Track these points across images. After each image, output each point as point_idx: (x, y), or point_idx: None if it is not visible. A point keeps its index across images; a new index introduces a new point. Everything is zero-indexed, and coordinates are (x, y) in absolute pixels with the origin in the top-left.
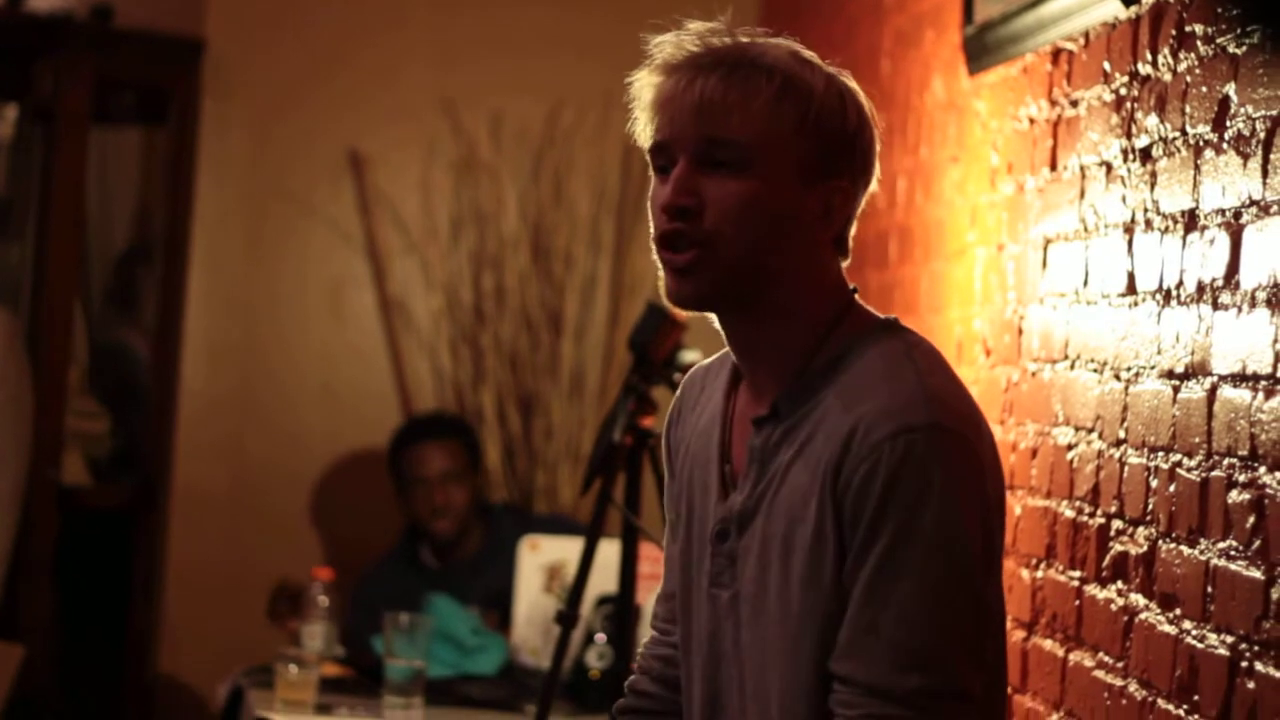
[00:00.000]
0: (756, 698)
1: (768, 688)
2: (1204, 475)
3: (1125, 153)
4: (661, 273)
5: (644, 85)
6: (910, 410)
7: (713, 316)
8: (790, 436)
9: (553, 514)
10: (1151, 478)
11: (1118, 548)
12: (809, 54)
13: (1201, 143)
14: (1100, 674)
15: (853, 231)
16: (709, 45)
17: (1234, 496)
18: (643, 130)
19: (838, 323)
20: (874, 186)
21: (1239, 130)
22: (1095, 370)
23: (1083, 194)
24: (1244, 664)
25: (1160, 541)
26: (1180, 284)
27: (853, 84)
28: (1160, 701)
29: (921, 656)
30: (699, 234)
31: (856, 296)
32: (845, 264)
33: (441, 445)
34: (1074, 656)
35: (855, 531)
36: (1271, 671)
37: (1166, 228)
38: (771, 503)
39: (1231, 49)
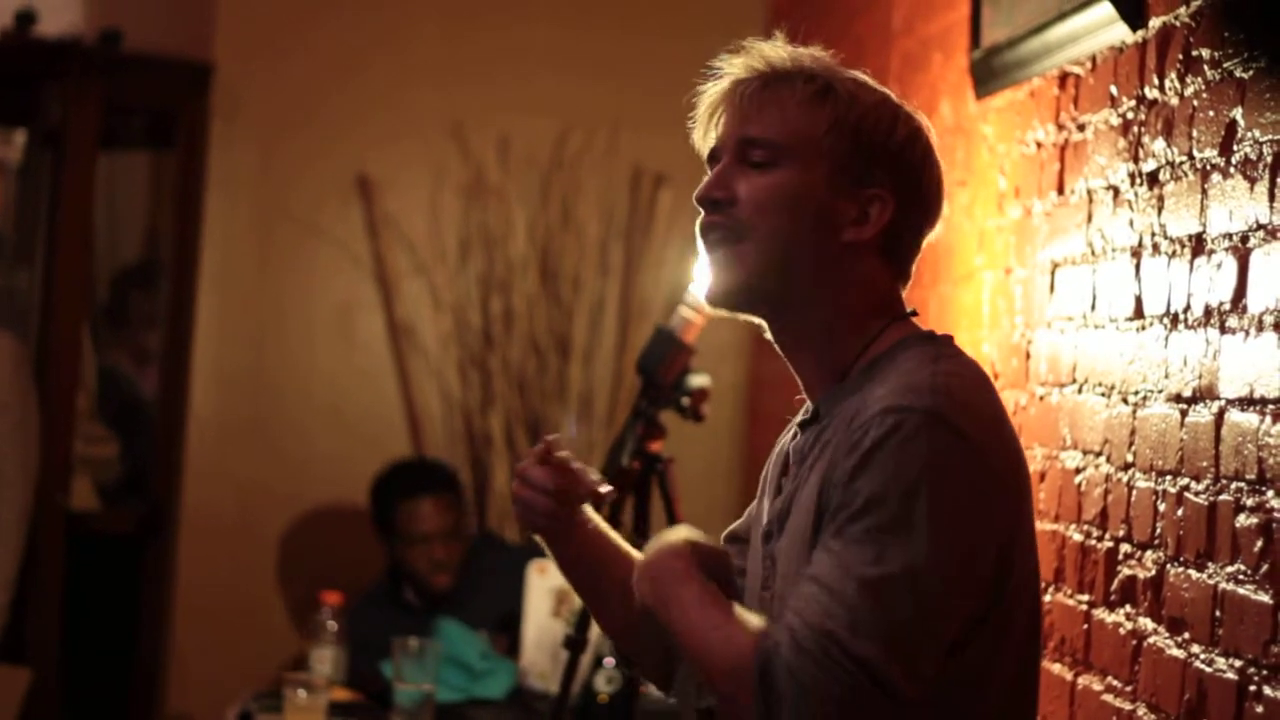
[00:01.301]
0: None
1: None
2: (1212, 499)
3: (1132, 176)
4: None
5: (702, 97)
6: (912, 395)
7: (761, 323)
8: (821, 437)
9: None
10: (1159, 501)
11: (1126, 571)
12: (872, 81)
13: (1208, 167)
14: (1109, 698)
15: (914, 254)
16: (768, 60)
17: (1242, 520)
18: (700, 140)
19: (882, 334)
20: (938, 221)
21: (1246, 154)
22: (1103, 394)
23: (1090, 218)
24: (1252, 688)
25: (1168, 565)
26: (1188, 308)
27: (920, 117)
28: None
29: (852, 620)
30: (729, 225)
31: (915, 320)
32: (905, 288)
33: (438, 500)
34: (1083, 680)
35: (832, 496)
36: None
37: (1174, 252)
38: (798, 500)
39: (1238, 73)
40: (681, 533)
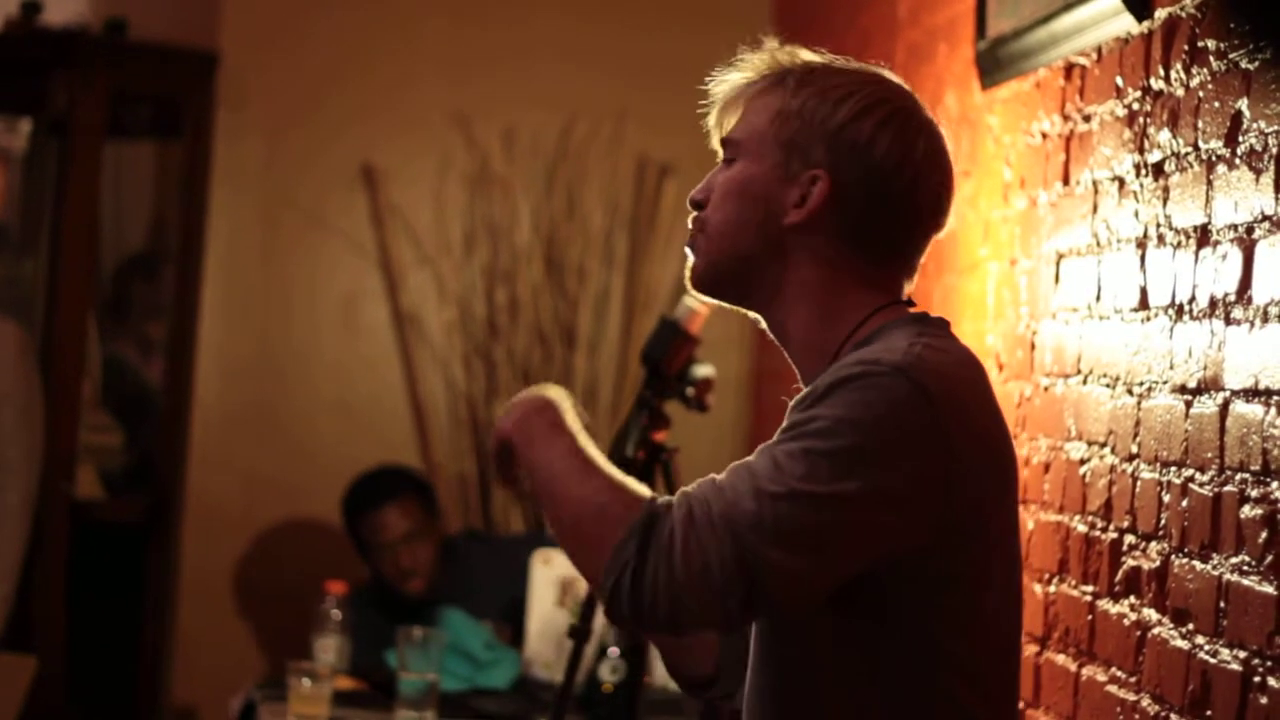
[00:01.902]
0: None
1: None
2: (1216, 490)
3: (1138, 168)
4: None
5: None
6: (884, 354)
7: (758, 317)
8: None
9: (525, 533)
10: (1164, 493)
11: (1130, 563)
12: (854, 65)
13: (1214, 158)
14: (1113, 689)
15: (885, 235)
16: (762, 63)
17: (1246, 512)
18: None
19: (868, 320)
20: (916, 197)
21: (1251, 145)
22: (1108, 385)
23: (1095, 209)
24: (1256, 679)
25: (1173, 556)
26: (1193, 299)
27: (887, 92)
28: (1173, 717)
29: (752, 512)
30: (699, 222)
31: (911, 309)
32: (909, 279)
33: (398, 505)
34: (1087, 671)
35: (785, 423)
36: None
37: (1179, 243)
38: None
39: (1244, 64)
40: (558, 391)
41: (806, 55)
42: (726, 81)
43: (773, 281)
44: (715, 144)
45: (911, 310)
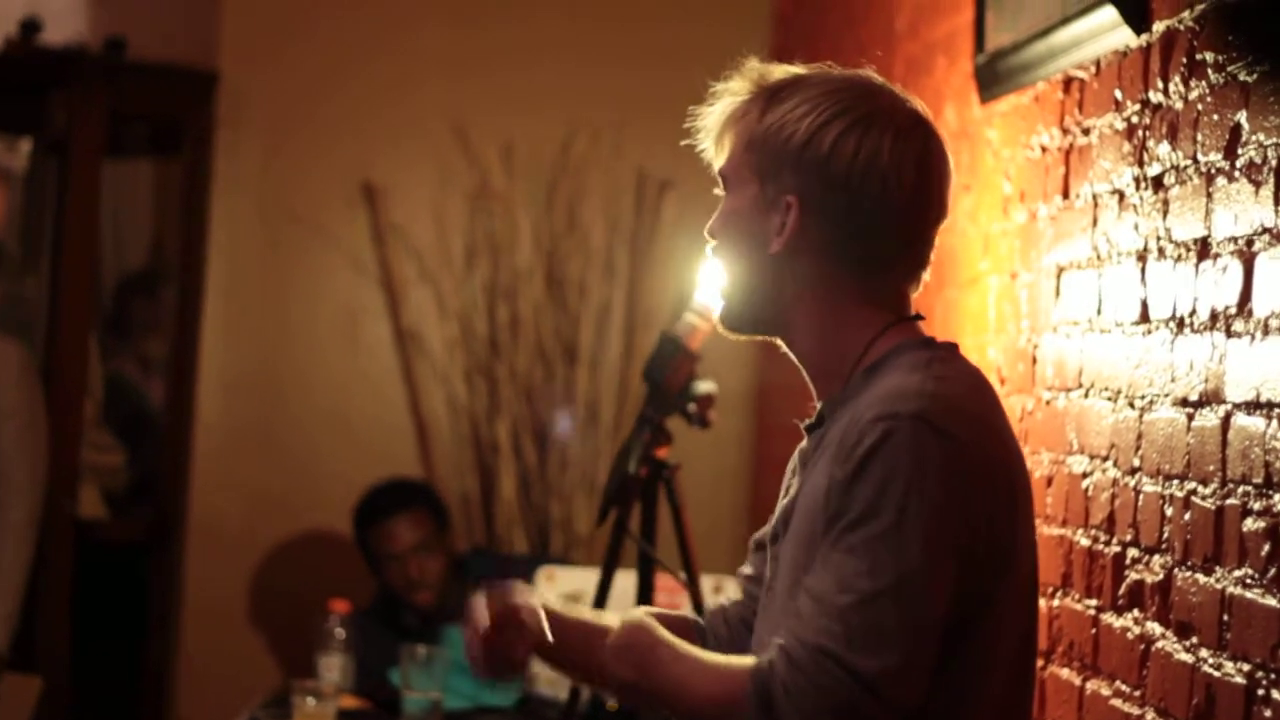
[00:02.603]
0: None
1: None
2: (1219, 503)
3: (1137, 181)
4: None
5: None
6: (901, 400)
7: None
8: (823, 441)
9: (530, 553)
10: (1166, 506)
11: (1133, 576)
12: (823, 74)
13: (1213, 170)
14: (1117, 702)
15: (873, 246)
16: (750, 83)
17: (1249, 524)
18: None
19: (880, 337)
20: (891, 199)
21: (1250, 158)
22: (1109, 398)
23: (1095, 222)
24: (1260, 692)
25: (1176, 570)
26: (1193, 312)
27: (849, 102)
28: None
29: (841, 633)
30: (713, 260)
31: (919, 324)
32: (914, 287)
33: (408, 517)
34: (1091, 685)
35: (832, 503)
36: None
37: (1179, 256)
38: (799, 503)
39: (1242, 77)
40: (636, 611)
41: (779, 73)
42: (712, 113)
43: (779, 310)
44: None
45: (918, 324)
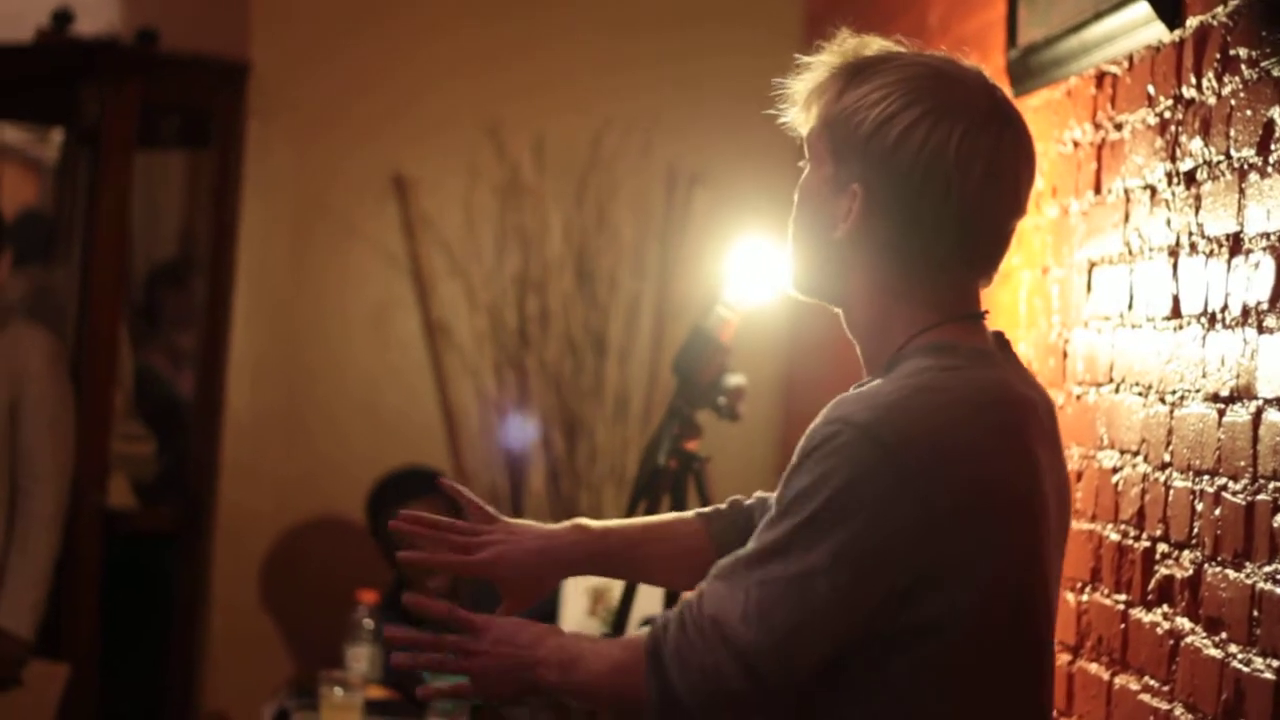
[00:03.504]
0: None
1: None
2: (1249, 499)
3: (1169, 176)
4: None
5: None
6: (860, 407)
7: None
8: None
9: None
10: (1197, 501)
11: (1163, 571)
12: (908, 55)
13: (1246, 166)
14: (1146, 698)
15: (937, 240)
16: (843, 54)
17: None
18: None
19: (924, 333)
20: (963, 198)
21: None
22: (1140, 394)
23: (1127, 217)
24: None
25: (1206, 565)
26: (1225, 307)
27: (919, 93)
28: None
29: (737, 609)
30: None
31: (983, 322)
32: (985, 281)
33: (423, 504)
34: (1120, 680)
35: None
36: None
37: (1211, 251)
38: None
39: (1276, 72)
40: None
41: (868, 48)
42: (801, 81)
43: (839, 288)
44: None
45: (967, 328)
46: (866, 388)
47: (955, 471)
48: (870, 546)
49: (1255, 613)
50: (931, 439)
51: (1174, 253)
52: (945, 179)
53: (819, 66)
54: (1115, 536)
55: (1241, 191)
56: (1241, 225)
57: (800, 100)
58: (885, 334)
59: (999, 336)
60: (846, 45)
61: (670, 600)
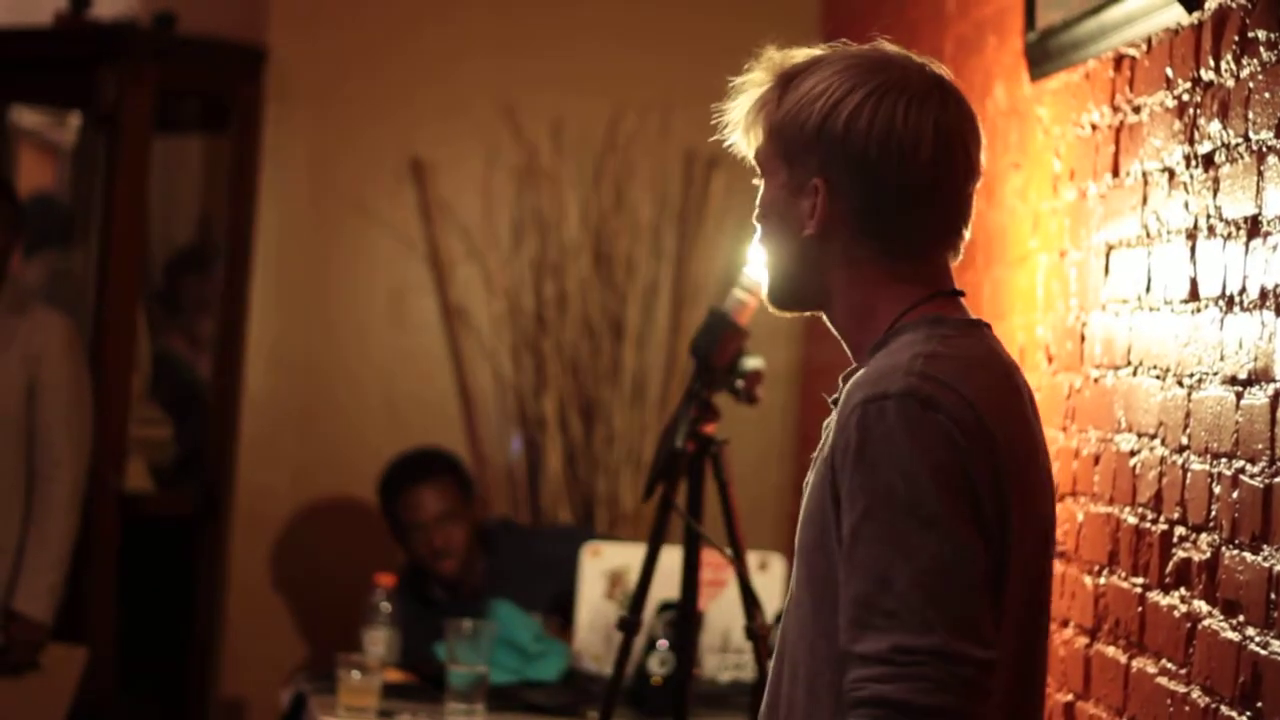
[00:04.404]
0: (790, 666)
1: (798, 657)
2: (1267, 481)
3: (1188, 159)
4: None
5: (734, 108)
6: (886, 379)
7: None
8: (831, 418)
9: (553, 526)
10: (1214, 484)
11: (1180, 554)
12: (840, 52)
13: (1264, 149)
14: (1163, 681)
15: (903, 223)
16: (770, 68)
17: None
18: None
19: (906, 314)
20: (917, 176)
21: None
22: (1158, 377)
23: (1145, 200)
24: None
25: (1223, 548)
26: (1243, 290)
27: (855, 79)
28: (1223, 708)
29: (904, 620)
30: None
31: (956, 299)
32: (953, 257)
33: (433, 486)
34: (1137, 663)
35: (841, 501)
36: None
37: (1229, 234)
38: (808, 480)
39: None
40: None
41: (796, 57)
42: (737, 106)
43: (818, 288)
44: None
45: (949, 303)
46: (878, 363)
47: (989, 430)
48: (966, 495)
49: (1273, 595)
50: (963, 401)
51: (1192, 235)
52: (899, 150)
53: (751, 85)
54: (1133, 520)
55: (1260, 174)
56: (1260, 208)
57: (741, 122)
58: (871, 318)
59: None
60: (773, 59)
61: (688, 586)
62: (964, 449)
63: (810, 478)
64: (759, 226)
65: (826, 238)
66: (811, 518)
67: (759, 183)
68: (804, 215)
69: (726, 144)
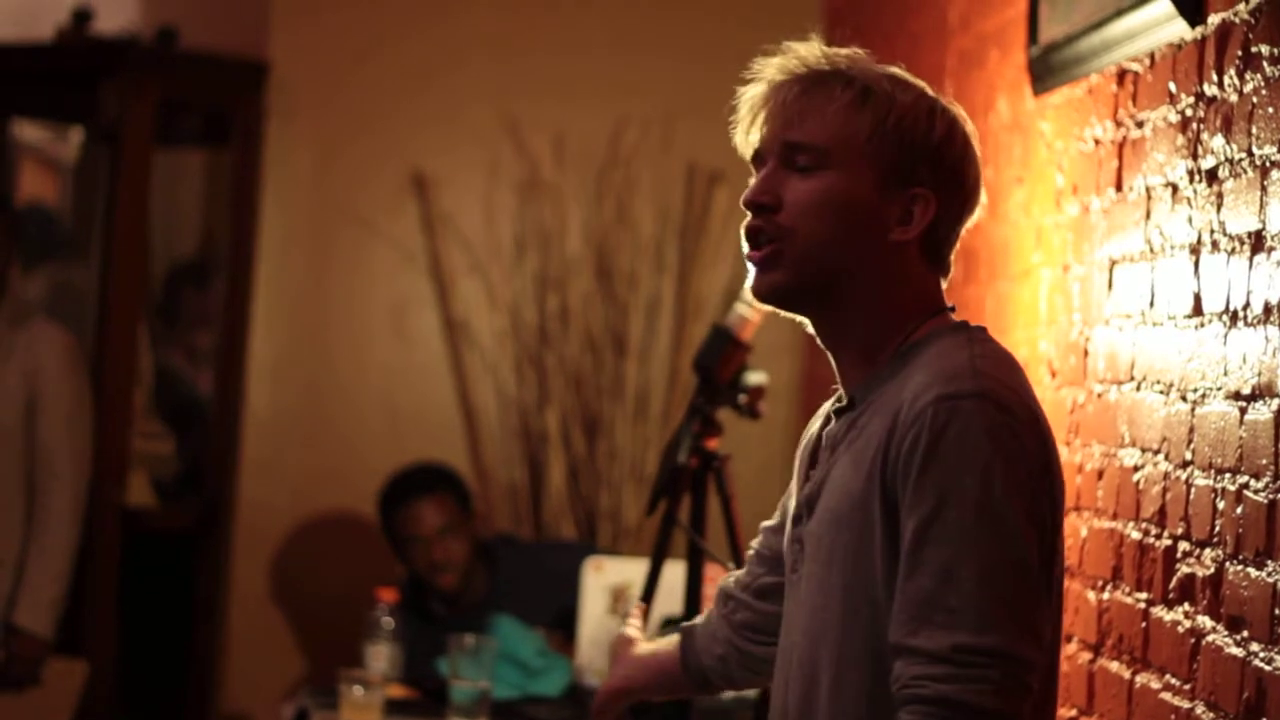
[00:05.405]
0: (803, 669)
1: (818, 660)
2: (1271, 497)
3: (1191, 174)
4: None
5: (742, 100)
6: (957, 380)
7: (805, 321)
8: (856, 423)
9: (556, 541)
10: (1218, 499)
11: (1184, 569)
12: (908, 76)
13: (1268, 163)
14: (1167, 696)
15: (951, 246)
16: (804, 61)
17: None
18: (742, 142)
19: (919, 326)
20: (979, 209)
21: None
22: (1161, 392)
23: (1148, 215)
24: None
25: (1227, 563)
26: (1247, 305)
27: (955, 108)
28: None
29: (968, 619)
30: (775, 230)
31: (953, 315)
32: (945, 280)
33: (432, 500)
34: (1141, 678)
35: (903, 499)
36: None
37: (1233, 249)
38: (829, 483)
39: None
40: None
41: (853, 53)
42: (775, 78)
43: (857, 296)
44: (752, 138)
45: (951, 314)
46: (933, 365)
47: (1042, 428)
48: (1037, 501)
49: (1277, 611)
50: (1025, 399)
51: (1195, 250)
52: (979, 188)
53: (801, 64)
54: (1136, 535)
55: (1263, 189)
56: (1263, 223)
57: (783, 108)
58: (891, 324)
59: None
60: (806, 52)
61: (691, 600)
62: (1034, 454)
63: (817, 485)
64: (807, 212)
65: (904, 249)
66: (846, 520)
67: (803, 165)
68: (891, 219)
69: (746, 134)
